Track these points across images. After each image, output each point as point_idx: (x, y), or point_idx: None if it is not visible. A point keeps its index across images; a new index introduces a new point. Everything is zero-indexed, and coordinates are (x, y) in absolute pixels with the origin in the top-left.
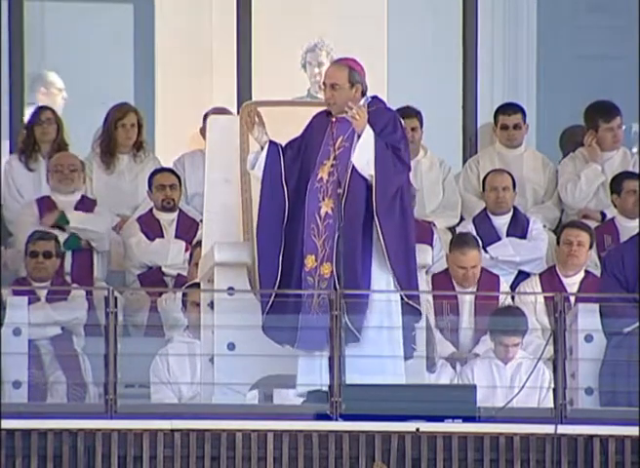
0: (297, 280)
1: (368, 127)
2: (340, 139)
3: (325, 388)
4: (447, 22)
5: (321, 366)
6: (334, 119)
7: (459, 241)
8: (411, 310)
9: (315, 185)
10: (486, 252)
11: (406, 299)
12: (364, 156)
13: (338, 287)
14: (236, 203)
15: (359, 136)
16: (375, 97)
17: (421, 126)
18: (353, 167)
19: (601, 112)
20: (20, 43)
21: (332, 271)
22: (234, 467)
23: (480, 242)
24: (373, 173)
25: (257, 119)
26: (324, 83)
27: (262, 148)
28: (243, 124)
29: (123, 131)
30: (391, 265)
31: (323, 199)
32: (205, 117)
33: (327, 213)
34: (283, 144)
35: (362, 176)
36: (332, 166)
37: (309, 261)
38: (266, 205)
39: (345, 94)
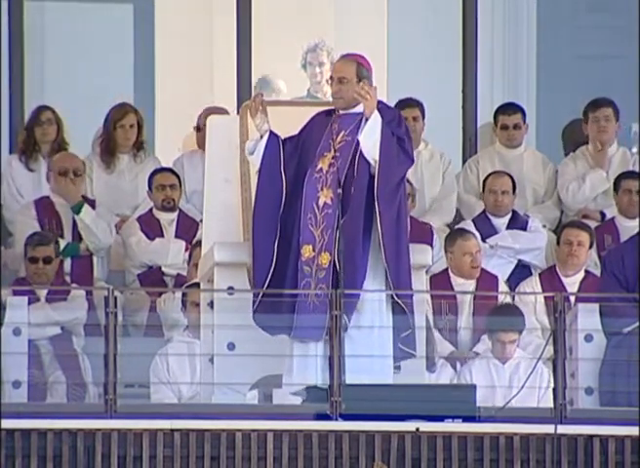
0: (293, 269)
1: (376, 112)
2: (341, 134)
3: (321, 385)
4: (447, 22)
5: (317, 363)
6: (336, 114)
7: (457, 232)
8: (401, 310)
9: (314, 176)
10: (485, 242)
11: (395, 298)
12: (371, 138)
13: (338, 276)
14: (236, 203)
15: (367, 120)
16: (378, 101)
17: (423, 117)
18: (357, 156)
19: (591, 103)
20: (20, 43)
21: (330, 260)
22: (234, 467)
23: (480, 237)
24: (377, 158)
25: (261, 107)
26: (331, 77)
27: (262, 137)
28: (247, 109)
29: (122, 131)
30: (386, 259)
31: (322, 189)
32: (199, 116)
33: (325, 202)
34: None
35: (366, 163)
36: (332, 158)
37: (306, 251)
38: (263, 191)
39: (353, 88)
